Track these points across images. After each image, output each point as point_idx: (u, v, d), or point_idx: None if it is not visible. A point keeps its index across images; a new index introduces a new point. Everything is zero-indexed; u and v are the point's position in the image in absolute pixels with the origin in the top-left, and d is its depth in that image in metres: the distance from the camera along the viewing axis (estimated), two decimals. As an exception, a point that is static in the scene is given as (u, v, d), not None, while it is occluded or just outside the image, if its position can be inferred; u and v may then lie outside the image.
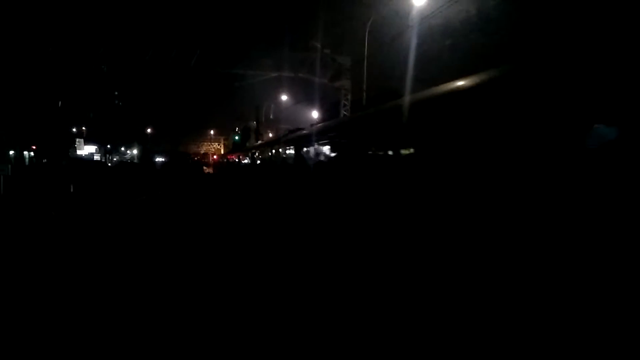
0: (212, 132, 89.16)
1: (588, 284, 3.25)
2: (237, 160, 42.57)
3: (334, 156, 10.31)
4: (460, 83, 5.61)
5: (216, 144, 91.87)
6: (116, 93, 63.25)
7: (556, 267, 3.61)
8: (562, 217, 3.58)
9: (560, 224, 3.60)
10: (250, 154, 31.26)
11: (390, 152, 7.54)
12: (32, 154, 45.73)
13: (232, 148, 65.91)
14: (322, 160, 10.99)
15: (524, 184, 4.01)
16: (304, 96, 35.20)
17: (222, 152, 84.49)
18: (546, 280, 3.55)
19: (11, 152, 40.47)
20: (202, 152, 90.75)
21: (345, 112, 25.85)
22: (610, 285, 3.26)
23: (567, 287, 3.28)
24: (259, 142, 39.56)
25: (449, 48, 18.38)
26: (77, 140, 55.90)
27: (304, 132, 14.53)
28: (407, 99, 7.68)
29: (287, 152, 15.90)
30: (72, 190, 18.73)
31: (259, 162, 22.35)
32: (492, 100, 4.68)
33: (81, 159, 49.86)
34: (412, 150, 6.72)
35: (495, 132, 4.69)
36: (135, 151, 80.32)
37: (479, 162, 4.83)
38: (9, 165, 17.47)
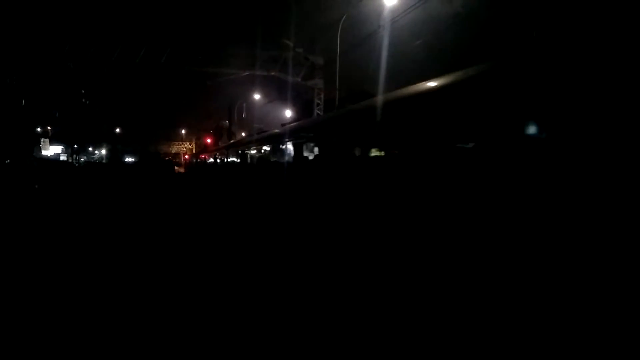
0: (183, 131, 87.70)
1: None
2: (210, 159, 42.03)
3: (307, 156, 10.27)
4: (433, 83, 5.61)
5: (187, 143, 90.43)
6: (83, 91, 61.45)
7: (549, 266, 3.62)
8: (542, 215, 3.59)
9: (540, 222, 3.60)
10: (223, 153, 30.89)
11: (361, 153, 7.51)
12: (-7, 154, 44.08)
13: (203, 148, 65.07)
14: (295, 160, 10.94)
15: (498, 184, 4.01)
16: (277, 95, 35.02)
17: (194, 151, 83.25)
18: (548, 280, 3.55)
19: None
20: (173, 151, 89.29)
21: (318, 112, 25.82)
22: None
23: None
24: (232, 141, 39.15)
25: (420, 47, 18.56)
26: (42, 140, 54.19)
27: (276, 131, 14.44)
28: (379, 98, 7.65)
29: (260, 151, 15.74)
30: (36, 190, 18.13)
31: (233, 161, 22.11)
32: (466, 100, 4.68)
33: (46, 159, 48.34)
34: (382, 152, 6.70)
35: (469, 132, 4.70)
36: (103, 151, 78.39)
37: (452, 163, 4.84)
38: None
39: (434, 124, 5.12)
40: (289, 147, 11.24)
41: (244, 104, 45.69)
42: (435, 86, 5.36)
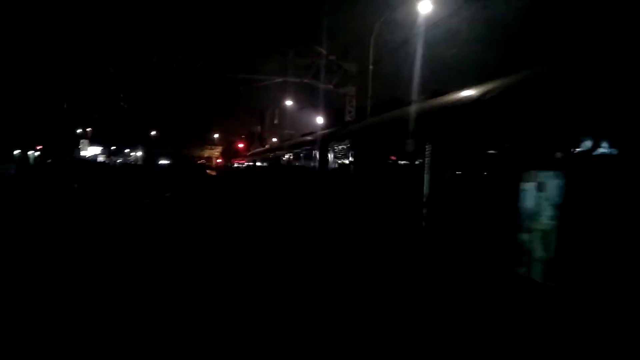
0: (216, 135, 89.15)
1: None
2: (243, 164, 42.65)
3: (344, 163, 10.24)
4: (469, 92, 5.58)
5: (220, 148, 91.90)
6: (122, 95, 63.41)
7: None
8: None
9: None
10: (257, 159, 31.29)
11: (397, 161, 7.48)
12: (37, 154, 45.93)
13: (234, 152, 65.92)
14: (331, 166, 10.92)
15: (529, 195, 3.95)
16: (308, 102, 35.21)
17: (226, 156, 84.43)
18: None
19: (16, 152, 40.68)
20: (205, 155, 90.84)
21: (349, 119, 25.83)
22: None
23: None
24: (266, 147, 39.61)
25: (455, 56, 18.39)
26: (82, 141, 56.05)
27: (309, 138, 14.45)
28: (413, 107, 7.65)
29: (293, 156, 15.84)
30: (76, 189, 18.77)
31: (268, 165, 22.36)
32: (502, 110, 4.63)
33: (85, 159, 50.02)
34: (417, 160, 6.65)
35: (504, 142, 4.64)
36: (139, 153, 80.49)
37: (486, 173, 4.78)
38: (14, 165, 17.58)
39: (473, 133, 5.07)
40: (326, 153, 11.15)
41: (276, 110, 46.13)
42: (474, 95, 5.33)
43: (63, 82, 38.29)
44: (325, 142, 11.88)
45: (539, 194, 3.74)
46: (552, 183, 3.59)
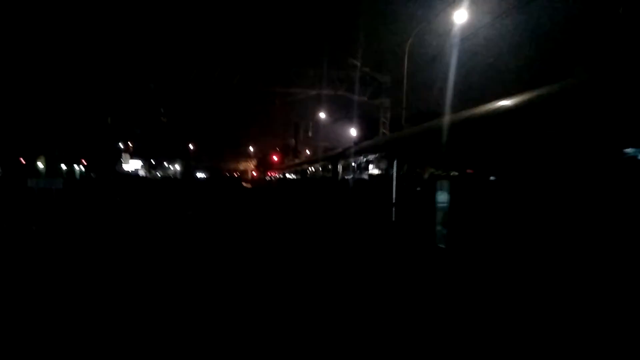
0: (251, 148, 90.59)
1: None
2: (278, 176, 43.20)
3: (377, 174, 10.36)
4: (504, 103, 5.54)
5: (255, 160, 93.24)
6: (162, 110, 65.49)
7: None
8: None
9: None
10: (287, 171, 31.69)
11: (435, 172, 7.49)
12: (82, 168, 47.95)
13: (268, 165, 66.85)
14: (363, 178, 11.11)
15: (584, 212, 3.89)
16: (343, 114, 35.40)
17: (260, 169, 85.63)
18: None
19: (62, 166, 42.62)
20: (241, 168, 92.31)
21: (384, 131, 25.81)
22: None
23: None
24: (296, 160, 40.06)
25: (491, 67, 18.15)
26: (124, 155, 58.14)
27: (349, 149, 14.66)
28: (447, 118, 7.63)
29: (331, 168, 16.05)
30: (119, 203, 19.44)
31: (303, 178, 22.75)
32: (539, 122, 4.59)
33: (126, 173, 51.84)
34: (454, 172, 6.64)
35: (542, 155, 4.58)
36: (177, 167, 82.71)
37: (526, 187, 4.75)
38: (61, 179, 18.39)
39: (512, 144, 5.03)
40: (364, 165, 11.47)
41: (310, 123, 46.51)
42: (511, 105, 5.29)
43: (107, 98, 40.03)
44: (335, 158, 14.54)
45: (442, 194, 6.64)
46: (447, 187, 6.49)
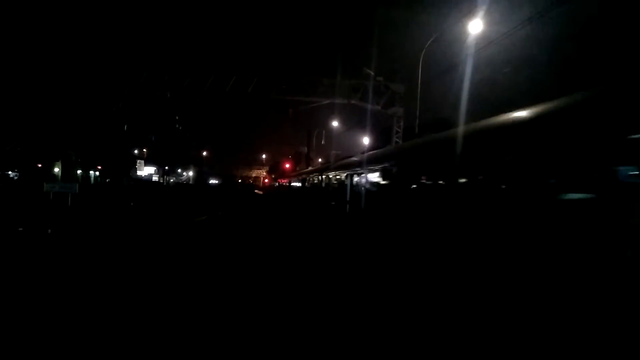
0: (264, 156, 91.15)
1: None
2: (288, 184, 43.35)
3: (386, 184, 10.36)
4: (520, 114, 5.51)
5: (268, 167, 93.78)
6: (177, 117, 66.30)
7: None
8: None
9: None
10: (296, 180, 31.87)
11: (442, 182, 7.45)
12: (97, 173, 48.62)
13: (280, 173, 67.14)
14: (374, 188, 11.14)
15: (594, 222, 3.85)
16: (356, 122, 35.47)
17: (272, 176, 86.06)
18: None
19: (78, 172, 43.26)
20: (253, 175, 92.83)
21: (397, 140, 25.76)
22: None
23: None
24: (308, 169, 40.19)
25: (506, 78, 18.08)
26: (138, 161, 58.88)
27: (355, 159, 14.87)
28: (461, 129, 7.60)
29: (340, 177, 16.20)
30: (132, 207, 19.64)
31: (312, 186, 22.97)
32: (553, 134, 4.55)
33: (140, 179, 52.42)
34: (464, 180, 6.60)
35: (556, 167, 4.54)
36: (191, 173, 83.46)
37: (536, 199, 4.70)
38: (77, 184, 18.64)
39: (527, 157, 4.99)
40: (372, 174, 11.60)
41: (323, 131, 46.68)
42: (527, 116, 5.25)
43: (124, 105, 40.65)
44: (339, 169, 16.25)
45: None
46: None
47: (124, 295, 5.99)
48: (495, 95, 17.75)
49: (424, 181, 8.35)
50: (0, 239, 10.21)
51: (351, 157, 18.58)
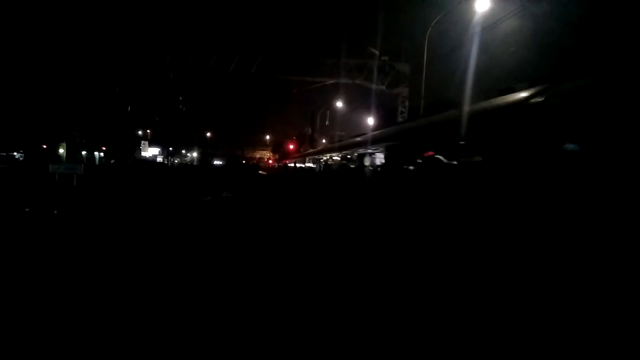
0: (267, 137, 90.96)
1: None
2: (292, 165, 43.33)
3: (390, 163, 10.37)
4: (523, 94, 5.46)
5: (272, 148, 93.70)
6: (180, 98, 66.00)
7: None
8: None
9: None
10: (298, 160, 31.91)
11: (449, 161, 7.44)
12: (102, 154, 48.76)
13: (283, 153, 67.14)
14: (378, 167, 11.14)
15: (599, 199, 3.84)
16: (360, 103, 35.24)
17: (276, 157, 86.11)
18: None
19: (83, 153, 43.41)
20: (257, 156, 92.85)
21: (402, 119, 25.62)
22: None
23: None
24: (314, 148, 40.08)
25: (512, 58, 17.84)
26: (142, 142, 58.90)
27: (359, 139, 14.86)
28: (466, 108, 7.55)
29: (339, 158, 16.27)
30: (135, 188, 19.70)
31: (315, 166, 23.07)
32: (558, 114, 4.51)
33: (144, 160, 52.54)
34: (475, 158, 6.58)
35: (557, 147, 4.52)
36: (195, 154, 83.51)
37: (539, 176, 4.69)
38: (82, 165, 18.70)
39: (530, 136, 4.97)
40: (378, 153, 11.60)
41: (327, 112, 46.41)
42: (534, 95, 5.21)
43: (128, 86, 40.54)
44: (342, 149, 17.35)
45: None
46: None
47: (131, 274, 6.05)
48: (499, 75, 17.54)
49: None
50: (7, 219, 10.30)
51: (355, 137, 18.55)
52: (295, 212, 14.27)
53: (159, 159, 61.42)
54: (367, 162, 12.69)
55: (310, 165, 26.80)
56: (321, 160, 22.51)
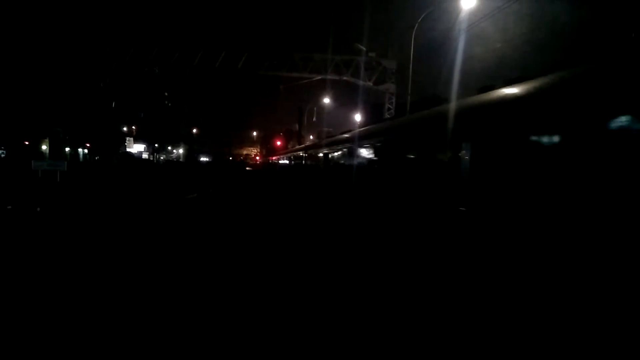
0: (254, 133, 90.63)
1: None
2: (276, 161, 43.28)
3: (376, 160, 10.40)
4: (511, 90, 5.49)
5: (259, 145, 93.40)
6: (166, 94, 65.35)
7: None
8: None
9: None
10: (285, 157, 31.91)
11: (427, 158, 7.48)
12: (85, 151, 48.07)
13: (271, 150, 66.95)
14: (363, 163, 11.22)
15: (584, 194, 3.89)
16: (347, 99, 35.30)
17: (263, 153, 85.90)
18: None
19: (67, 149, 42.73)
20: (244, 153, 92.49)
21: (389, 116, 25.70)
22: None
23: None
24: (295, 147, 40.10)
25: (498, 53, 17.98)
26: (128, 139, 58.20)
27: (346, 136, 14.80)
28: (452, 105, 7.58)
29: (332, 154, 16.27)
30: (124, 185, 19.50)
31: (301, 163, 23.09)
32: (544, 110, 4.55)
33: (130, 156, 51.94)
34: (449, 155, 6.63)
35: (545, 142, 4.56)
36: (181, 150, 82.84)
37: (527, 171, 4.73)
38: (65, 162, 18.44)
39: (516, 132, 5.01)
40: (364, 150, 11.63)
41: (314, 108, 46.36)
42: (522, 91, 5.24)
43: (112, 81, 39.98)
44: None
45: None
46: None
47: (115, 271, 5.98)
48: (484, 71, 17.68)
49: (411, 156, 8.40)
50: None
51: (340, 135, 18.56)
52: (281, 207, 14.30)
53: (145, 156, 60.74)
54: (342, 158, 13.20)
55: (295, 161, 26.80)
56: (304, 155, 22.52)
